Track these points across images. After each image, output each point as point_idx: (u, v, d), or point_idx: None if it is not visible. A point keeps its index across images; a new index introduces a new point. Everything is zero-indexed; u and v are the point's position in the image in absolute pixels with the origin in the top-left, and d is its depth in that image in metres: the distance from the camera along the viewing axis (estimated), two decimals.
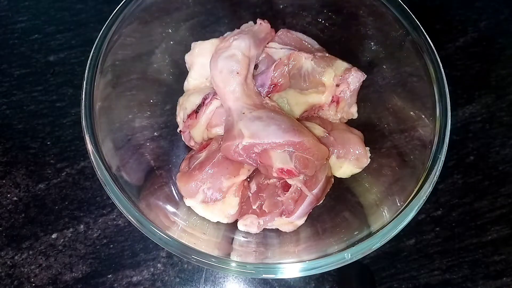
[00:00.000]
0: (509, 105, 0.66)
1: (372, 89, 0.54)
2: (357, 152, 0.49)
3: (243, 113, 0.45)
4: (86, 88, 0.43)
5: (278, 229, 0.49)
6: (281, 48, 0.51)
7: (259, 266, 0.40)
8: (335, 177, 0.51)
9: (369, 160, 0.50)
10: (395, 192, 0.46)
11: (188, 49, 0.53)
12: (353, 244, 0.40)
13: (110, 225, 0.57)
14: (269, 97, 0.49)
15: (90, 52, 0.44)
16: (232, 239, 0.48)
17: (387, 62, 0.53)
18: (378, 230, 0.40)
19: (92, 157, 0.41)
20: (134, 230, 0.57)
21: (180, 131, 0.53)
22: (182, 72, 0.54)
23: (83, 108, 0.42)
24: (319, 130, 0.49)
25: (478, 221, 0.60)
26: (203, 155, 0.49)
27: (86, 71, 0.43)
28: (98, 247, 0.56)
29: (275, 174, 0.44)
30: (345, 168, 0.50)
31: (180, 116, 0.52)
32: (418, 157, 0.45)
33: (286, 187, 0.47)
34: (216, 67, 0.47)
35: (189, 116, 0.51)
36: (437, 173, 0.42)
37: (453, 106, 0.44)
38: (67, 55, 0.66)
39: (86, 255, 0.56)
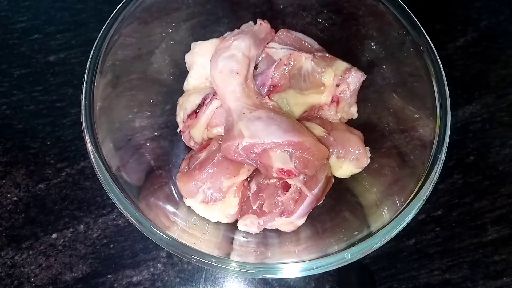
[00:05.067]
0: (509, 105, 0.66)
1: (372, 89, 0.54)
2: (357, 152, 0.49)
3: (243, 113, 0.45)
4: (86, 88, 0.43)
5: (278, 229, 0.49)
6: (281, 48, 0.51)
7: (259, 266, 0.40)
8: (335, 177, 0.51)
9: (369, 160, 0.50)
10: (395, 192, 0.46)
11: (188, 49, 0.53)
12: (353, 244, 0.40)
13: (110, 225, 0.57)
14: (269, 97, 0.49)
15: (90, 52, 0.44)
16: (232, 239, 0.48)
17: (387, 62, 0.53)
18: (378, 230, 0.40)
19: (92, 157, 0.41)
20: (134, 230, 0.57)
21: (180, 131, 0.53)
22: (182, 72, 0.54)
23: (83, 108, 0.42)
24: (319, 130, 0.49)
25: (478, 221, 0.60)
26: (203, 155, 0.49)
27: (86, 71, 0.43)
28: (98, 247, 0.56)
29: (275, 174, 0.44)
30: (345, 168, 0.50)
31: (180, 116, 0.52)
32: (418, 157, 0.45)
33: (286, 187, 0.47)
34: (216, 67, 0.47)
35: (189, 116, 0.51)
36: (437, 173, 0.42)
37: (453, 106, 0.44)
38: (67, 55, 0.66)
39: (86, 255, 0.56)
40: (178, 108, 0.53)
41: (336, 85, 0.50)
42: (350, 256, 0.39)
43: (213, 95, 0.49)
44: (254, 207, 0.48)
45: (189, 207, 0.49)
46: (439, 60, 0.45)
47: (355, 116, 0.54)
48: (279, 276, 0.39)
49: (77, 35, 0.67)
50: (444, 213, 0.60)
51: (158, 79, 0.55)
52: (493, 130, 0.65)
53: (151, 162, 0.51)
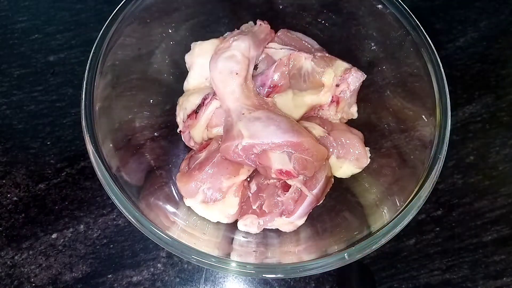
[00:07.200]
0: (509, 105, 0.66)
1: (372, 89, 0.54)
2: (357, 152, 0.49)
3: (243, 114, 0.45)
4: (86, 88, 0.43)
5: (278, 229, 0.49)
6: (281, 49, 0.51)
7: (259, 266, 0.40)
8: (335, 177, 0.51)
9: (369, 160, 0.50)
10: (395, 192, 0.46)
11: (188, 49, 0.53)
12: (353, 244, 0.40)
13: (110, 225, 0.57)
14: (269, 98, 0.49)
15: (90, 52, 0.44)
16: (232, 239, 0.48)
17: (387, 62, 0.53)
18: (378, 230, 0.40)
19: (92, 157, 0.41)
20: (134, 230, 0.57)
21: (180, 131, 0.53)
22: (182, 72, 0.54)
23: (83, 108, 0.42)
24: (318, 130, 0.49)
25: (478, 221, 0.60)
26: (203, 155, 0.49)
27: (86, 71, 0.43)
28: (98, 247, 0.56)
29: (274, 175, 0.44)
30: (345, 168, 0.50)
31: (180, 116, 0.52)
32: (418, 157, 0.45)
33: (286, 187, 0.47)
34: (216, 68, 0.47)
35: (189, 116, 0.51)
36: (437, 173, 0.42)
37: (453, 106, 0.44)
38: (67, 55, 0.66)
39: (86, 255, 0.56)
40: (178, 108, 0.53)
41: (336, 85, 0.50)
42: (349, 256, 0.39)
43: (213, 95, 0.49)
44: (254, 207, 0.48)
45: (189, 207, 0.49)
46: (439, 60, 0.45)
47: (355, 116, 0.54)
48: (279, 276, 0.39)
49: (77, 35, 0.67)
50: (444, 213, 0.60)
51: (158, 79, 0.55)
52: (493, 130, 0.65)
53: (151, 162, 0.51)
